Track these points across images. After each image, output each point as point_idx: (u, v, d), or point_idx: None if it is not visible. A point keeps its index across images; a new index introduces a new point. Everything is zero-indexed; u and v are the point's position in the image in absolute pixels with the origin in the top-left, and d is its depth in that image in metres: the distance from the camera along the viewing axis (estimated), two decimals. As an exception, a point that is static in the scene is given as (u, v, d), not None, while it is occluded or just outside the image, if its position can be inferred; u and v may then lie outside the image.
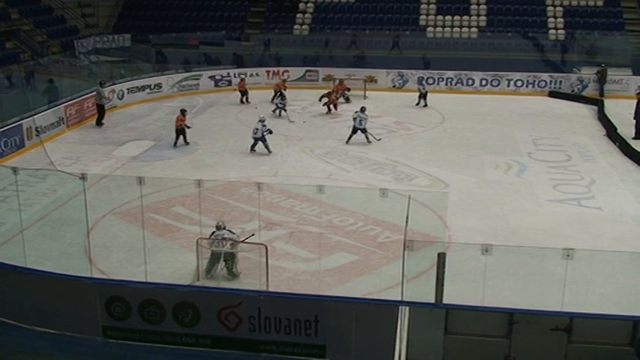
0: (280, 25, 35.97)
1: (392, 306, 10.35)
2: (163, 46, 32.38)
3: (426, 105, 27.71)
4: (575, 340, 10.34)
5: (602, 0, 35.03)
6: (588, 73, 30.20)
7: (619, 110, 25.77)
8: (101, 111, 24.85)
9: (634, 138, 22.53)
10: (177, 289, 11.21)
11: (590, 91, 29.77)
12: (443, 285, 9.99)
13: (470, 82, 30.87)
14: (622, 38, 32.84)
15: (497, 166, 20.14)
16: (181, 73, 30.22)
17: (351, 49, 33.68)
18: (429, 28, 35.08)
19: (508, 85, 30.61)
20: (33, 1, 34.54)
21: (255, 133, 21.01)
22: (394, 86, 31.16)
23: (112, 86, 27.11)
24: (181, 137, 21.94)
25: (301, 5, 36.76)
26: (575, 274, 10.51)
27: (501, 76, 30.63)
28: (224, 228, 12.87)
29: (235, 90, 30.16)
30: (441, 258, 9.89)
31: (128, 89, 27.89)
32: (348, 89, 28.57)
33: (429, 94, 28.00)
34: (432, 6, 35.91)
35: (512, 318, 10.35)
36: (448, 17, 35.34)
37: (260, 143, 20.95)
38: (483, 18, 35.26)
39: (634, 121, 23.06)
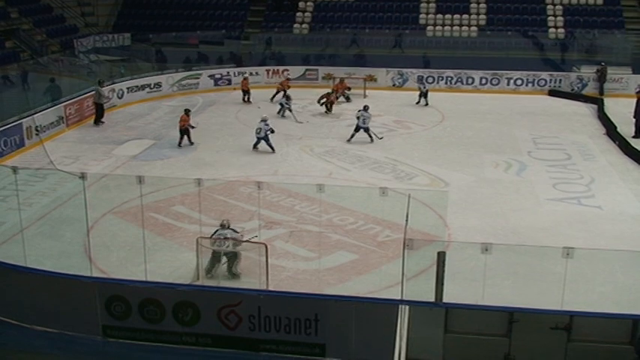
0: (280, 24, 35.96)
1: (392, 305, 10.35)
2: (163, 45, 32.37)
3: (427, 104, 27.71)
4: (575, 338, 10.34)
5: (601, -2, 35.07)
6: (588, 71, 30.19)
7: (619, 109, 25.77)
8: (99, 110, 24.84)
9: (634, 137, 22.53)
10: (177, 288, 11.21)
11: (590, 90, 29.77)
12: (443, 284, 9.99)
13: (470, 80, 30.86)
14: (622, 37, 32.84)
15: (497, 164, 20.14)
16: (181, 72, 30.20)
17: (351, 48, 33.67)
18: (428, 27, 35.07)
19: (508, 84, 30.60)
20: (32, 0, 34.52)
21: (259, 133, 21.03)
22: (394, 85, 31.16)
23: (112, 85, 27.09)
24: (185, 137, 21.83)
25: (301, 4, 36.75)
26: (575, 273, 10.51)
27: (501, 74, 30.62)
28: (228, 227, 12.86)
29: (235, 89, 30.21)
30: (441, 257, 9.90)
31: (128, 88, 27.87)
32: (349, 88, 28.56)
33: (429, 93, 27.99)
34: (432, 5, 35.90)
35: (512, 317, 10.35)
36: (448, 16, 35.33)
37: (263, 142, 20.98)
38: (483, 17, 35.26)
39: (634, 120, 23.05)
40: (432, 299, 10.14)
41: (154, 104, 28.02)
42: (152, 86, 28.93)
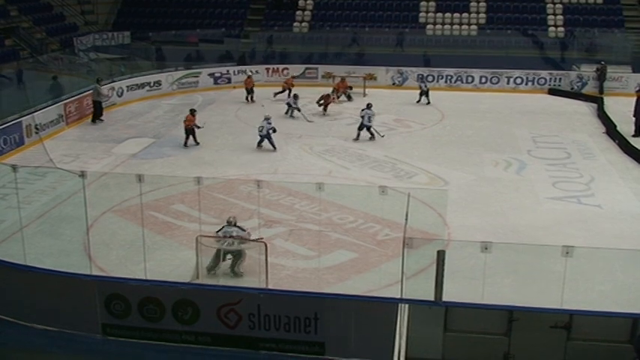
0: (280, 23, 35.95)
1: (391, 303, 10.35)
2: (163, 44, 32.35)
3: (429, 102, 27.69)
4: (575, 337, 10.35)
5: (601, -3, 35.07)
6: (588, 70, 30.17)
7: (618, 108, 25.76)
8: (98, 108, 24.82)
9: (633, 135, 22.51)
10: (176, 287, 11.22)
11: (590, 89, 29.74)
12: (442, 282, 9.99)
13: (469, 79, 30.84)
14: (622, 35, 32.83)
15: (496, 163, 20.14)
16: (181, 70, 30.18)
17: (352, 47, 33.65)
18: (428, 26, 35.06)
19: (508, 83, 30.57)
20: (32, -1, 34.55)
21: (261, 131, 21.05)
22: (394, 84, 31.15)
23: (112, 83, 27.10)
24: (191, 137, 21.64)
25: (301, 2, 36.73)
26: (574, 272, 10.50)
27: (501, 73, 30.60)
28: (235, 224, 12.85)
29: (235, 87, 30.20)
30: (441, 255, 9.90)
31: (127, 87, 27.86)
32: (350, 88, 28.53)
33: (430, 92, 27.99)
34: (432, 3, 35.90)
35: (511, 315, 10.36)
36: (448, 15, 35.32)
37: (266, 140, 21.00)
38: (483, 15, 35.25)
39: (633, 119, 23.03)
40: (432, 298, 10.14)
41: (154, 102, 28.00)
42: (152, 84, 28.91)
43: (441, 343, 10.59)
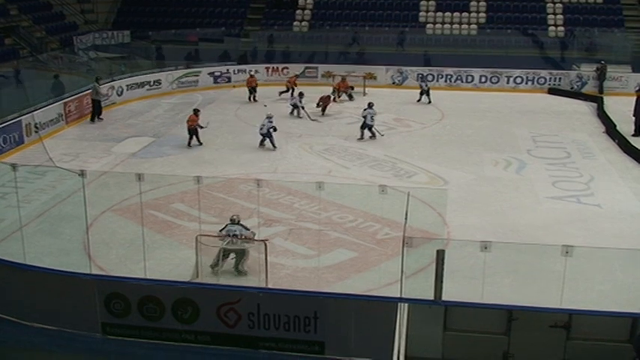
0: (280, 22, 35.95)
1: (391, 303, 10.35)
2: (163, 43, 32.34)
3: (429, 101, 27.68)
4: (574, 336, 10.35)
5: (601, -3, 35.07)
6: (588, 70, 30.17)
7: (618, 107, 25.75)
8: (96, 106, 24.80)
9: (633, 135, 22.52)
10: (176, 286, 11.22)
11: (590, 88, 29.74)
12: (442, 282, 9.99)
13: (469, 78, 30.85)
14: (622, 35, 32.83)
15: (496, 163, 20.14)
16: (181, 69, 30.17)
17: (352, 47, 33.63)
18: (428, 25, 35.05)
19: (507, 82, 30.57)
20: (32, -2, 34.53)
21: (261, 129, 21.05)
22: (393, 83, 31.15)
23: (112, 82, 27.10)
24: (195, 137, 21.51)
25: (301, 2, 36.72)
26: (574, 271, 10.50)
27: (501, 73, 30.59)
28: (238, 222, 12.86)
29: (235, 86, 30.20)
30: (440, 255, 9.89)
31: (127, 86, 27.86)
32: (352, 87, 28.51)
33: (430, 91, 27.99)
34: (432, 2, 35.89)
35: (511, 315, 10.36)
36: (448, 14, 35.32)
37: (267, 139, 21.02)
38: (483, 15, 35.24)
39: (633, 118, 23.04)
40: (432, 297, 10.14)
41: (154, 102, 28.00)
42: (152, 83, 28.91)
43: (440, 343, 10.58)
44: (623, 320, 10.38)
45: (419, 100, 27.92)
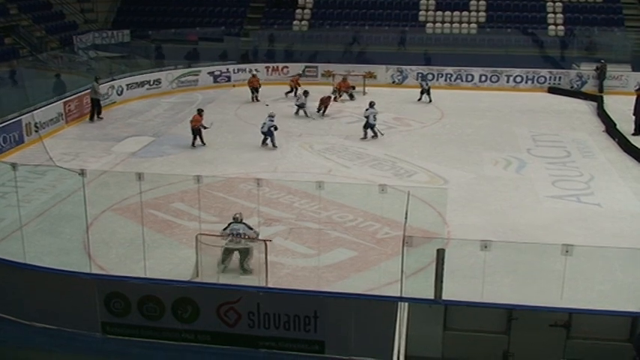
0: (280, 21, 35.93)
1: (391, 302, 10.35)
2: (162, 42, 32.32)
3: (430, 100, 27.67)
4: (574, 336, 10.35)
5: (601, -4, 35.05)
6: (588, 69, 30.17)
7: (618, 106, 25.75)
8: (96, 106, 24.79)
9: (633, 134, 22.52)
10: (176, 285, 11.22)
11: (590, 87, 29.73)
12: (442, 281, 9.99)
13: (469, 78, 30.84)
14: (621, 34, 32.82)
15: (496, 162, 20.14)
16: (180, 68, 30.16)
17: (353, 46, 33.61)
18: (428, 24, 35.03)
19: (507, 81, 30.57)
20: (32, -3, 34.51)
21: (262, 128, 21.05)
22: (393, 82, 31.14)
23: (112, 82, 27.09)
24: (198, 137, 21.31)
25: (300, 1, 36.70)
26: (574, 271, 10.52)
27: (501, 72, 30.59)
28: (241, 221, 12.88)
29: (234, 86, 30.19)
30: (440, 254, 9.90)
31: (127, 85, 27.84)
32: (353, 87, 28.48)
33: (431, 90, 28.00)
34: (432, 2, 35.87)
35: (511, 314, 10.37)
36: (447, 13, 35.30)
37: (268, 137, 21.04)
38: (483, 14, 35.22)
39: (633, 117, 23.05)
40: (432, 296, 10.14)
41: (154, 101, 28.00)
42: (151, 83, 28.89)
43: (440, 342, 10.59)
44: (623, 319, 10.39)
45: (419, 99, 27.91)
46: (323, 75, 31.00)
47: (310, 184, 15.06)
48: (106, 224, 15.23)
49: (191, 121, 21.58)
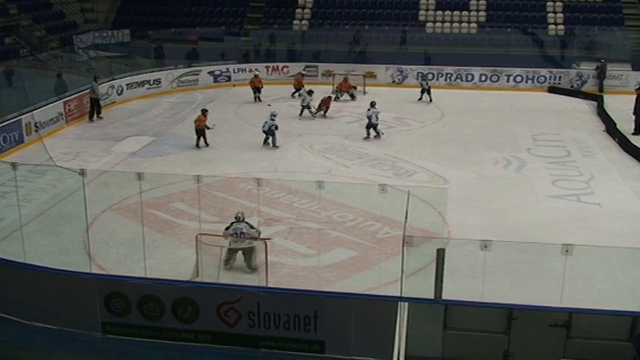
0: (280, 21, 35.93)
1: (391, 302, 10.35)
2: (163, 42, 32.32)
3: (430, 100, 27.66)
4: (574, 335, 10.35)
5: (601, -5, 35.04)
6: (588, 68, 30.16)
7: (618, 106, 25.74)
8: (95, 105, 24.78)
9: (633, 134, 22.52)
10: (176, 285, 11.22)
11: (590, 87, 29.72)
12: (442, 281, 9.99)
13: (469, 77, 30.84)
14: (621, 34, 32.81)
15: (496, 161, 20.13)
16: (180, 68, 30.16)
17: (354, 46, 33.60)
18: (428, 24, 35.03)
19: (507, 81, 30.57)
20: (32, -3, 34.51)
21: (264, 127, 21.07)
22: (393, 82, 31.14)
23: (112, 81, 27.09)
24: (202, 138, 21.14)
25: (301, 0, 36.70)
26: (574, 270, 10.51)
27: (501, 71, 30.59)
28: (243, 220, 12.89)
29: (234, 86, 30.18)
30: (440, 254, 9.89)
31: (127, 85, 27.85)
32: (355, 88, 28.46)
33: (431, 90, 28.00)
34: (432, 1, 35.86)
35: (511, 314, 10.37)
36: (448, 12, 35.29)
37: (270, 137, 21.05)
38: (483, 13, 35.22)
39: (633, 117, 23.04)
40: (432, 296, 10.14)
41: (154, 101, 28.00)
42: (151, 82, 28.89)
43: (440, 342, 10.59)
44: (622, 319, 10.39)
45: (420, 99, 27.90)
46: (323, 75, 30.98)
47: (310, 184, 15.06)
48: (106, 224, 15.23)
49: (195, 122, 21.42)
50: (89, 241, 14.02)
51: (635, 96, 23.49)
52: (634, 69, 29.80)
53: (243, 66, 31.12)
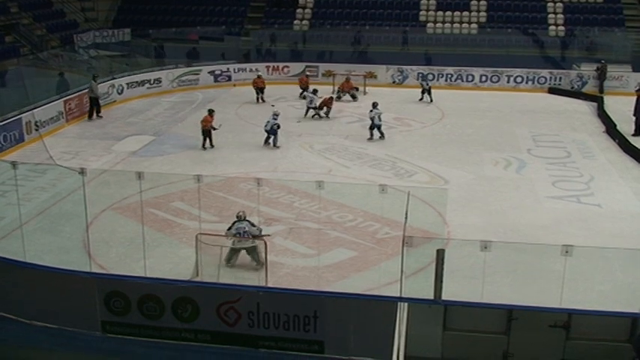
0: (280, 21, 35.93)
1: (391, 302, 10.35)
2: (163, 41, 32.33)
3: (431, 100, 27.65)
4: (574, 336, 10.36)
5: (602, -4, 35.05)
6: (588, 69, 30.15)
7: (618, 107, 25.74)
8: (94, 104, 24.77)
9: (633, 135, 22.52)
10: (176, 285, 11.22)
11: (590, 88, 29.72)
12: (442, 281, 9.99)
13: (470, 78, 30.83)
14: (622, 35, 32.82)
15: (496, 162, 20.13)
16: (181, 68, 30.16)
17: (354, 46, 33.59)
18: (429, 24, 35.03)
19: (508, 82, 30.55)
20: (32, -5, 34.52)
21: (266, 126, 21.09)
22: (394, 82, 31.13)
23: (112, 81, 27.09)
24: (208, 139, 20.97)
25: (301, 0, 36.70)
26: (574, 271, 10.52)
27: (501, 72, 30.57)
28: (244, 219, 12.90)
29: (235, 85, 30.18)
30: (440, 254, 9.90)
31: (127, 84, 27.84)
32: (357, 89, 28.45)
33: (431, 90, 28.01)
34: (432, 1, 35.87)
35: (511, 314, 10.37)
36: (448, 13, 35.31)
37: (271, 136, 21.05)
38: (483, 14, 35.23)
39: (633, 118, 23.04)
40: (431, 297, 10.14)
41: (154, 100, 28.00)
42: (152, 82, 28.88)
43: (440, 342, 10.60)
44: (622, 320, 10.40)
45: (421, 99, 27.90)
46: (324, 75, 30.97)
47: (310, 184, 15.07)
48: (106, 223, 15.24)
49: (202, 122, 21.24)
50: (89, 240, 14.02)
51: (635, 97, 23.50)
52: (634, 70, 29.78)
53: (243, 66, 31.13)
